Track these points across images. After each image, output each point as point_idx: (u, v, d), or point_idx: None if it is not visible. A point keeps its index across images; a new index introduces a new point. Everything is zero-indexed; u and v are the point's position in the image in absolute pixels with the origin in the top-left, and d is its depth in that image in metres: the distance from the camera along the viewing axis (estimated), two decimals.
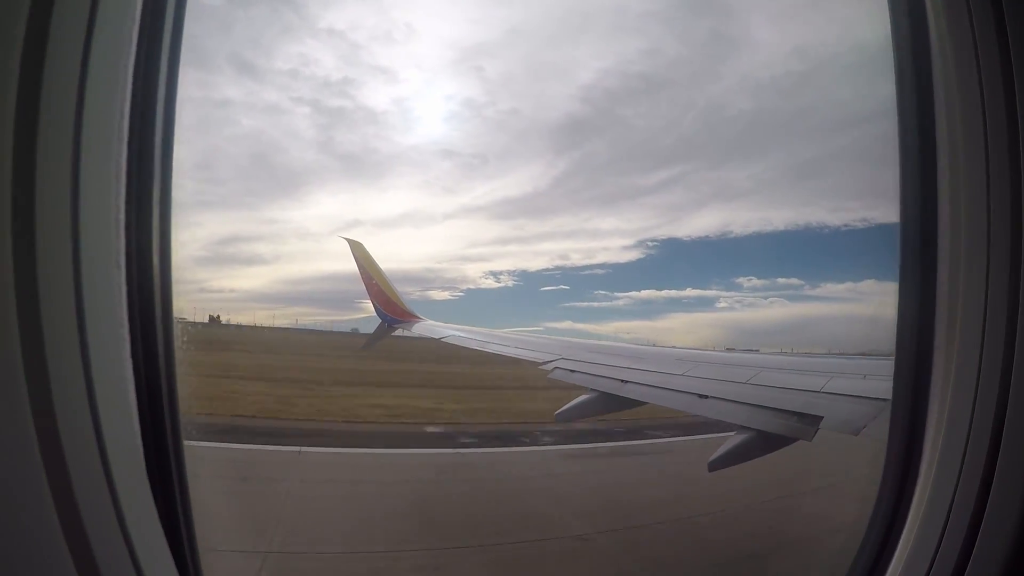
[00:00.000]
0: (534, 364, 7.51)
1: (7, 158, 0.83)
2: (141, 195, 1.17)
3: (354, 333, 39.19)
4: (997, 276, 1.28)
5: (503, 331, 10.67)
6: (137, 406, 1.14)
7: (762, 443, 4.34)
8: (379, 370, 23.24)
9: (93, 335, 0.96)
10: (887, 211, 1.70)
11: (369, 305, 12.37)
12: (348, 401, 16.99)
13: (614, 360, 6.85)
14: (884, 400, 2.84)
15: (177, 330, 1.32)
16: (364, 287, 12.37)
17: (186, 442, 1.32)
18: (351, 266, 12.61)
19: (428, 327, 11.73)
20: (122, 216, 1.09)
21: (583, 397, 6.06)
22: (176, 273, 1.33)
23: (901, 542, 1.50)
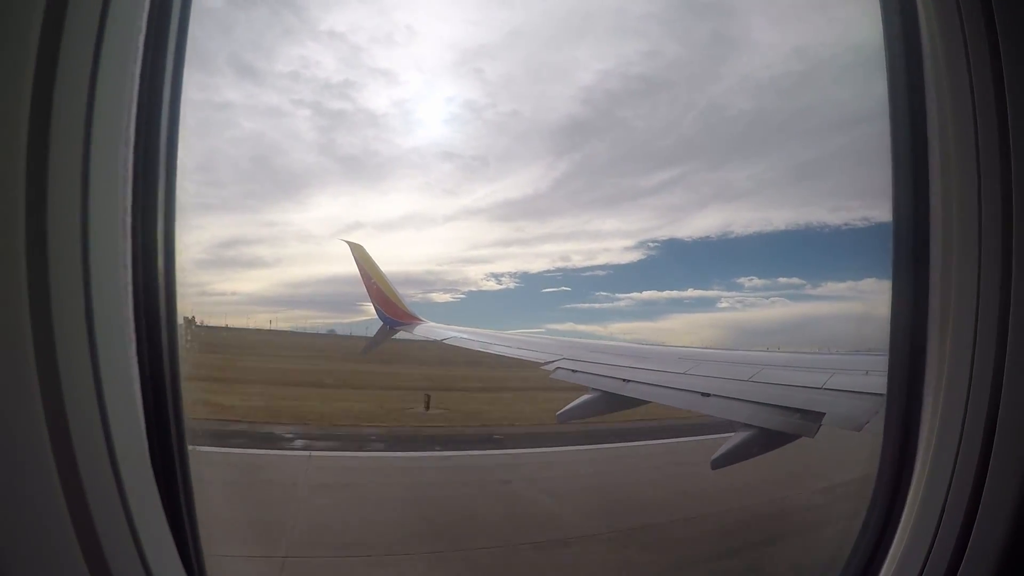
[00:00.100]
0: (536, 364, 7.51)
1: (21, 160, 0.86)
2: (147, 197, 1.20)
3: (330, 334, 39.22)
4: (989, 274, 1.29)
5: (504, 332, 10.70)
6: (143, 404, 1.16)
7: (765, 440, 4.35)
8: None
9: (101, 333, 0.98)
10: (887, 210, 1.72)
11: (371, 308, 12.41)
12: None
13: (616, 360, 6.87)
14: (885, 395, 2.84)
15: (181, 329, 1.34)
16: (365, 289, 12.41)
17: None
18: (352, 269, 12.66)
19: (429, 329, 11.75)
20: (128, 218, 1.12)
21: (585, 397, 6.08)
22: (179, 275, 1.35)
23: (895, 540, 1.51)
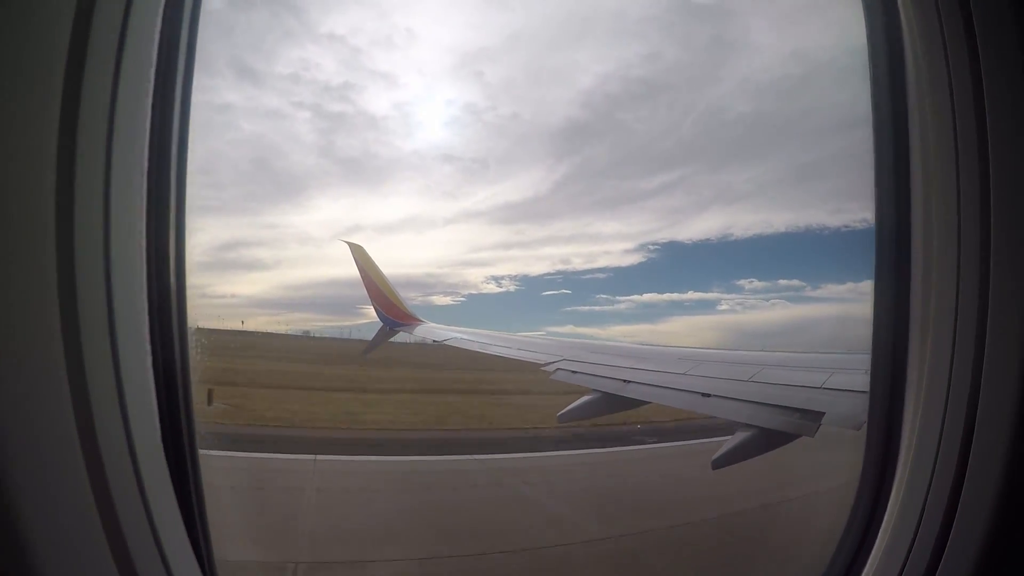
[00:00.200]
0: (536, 365, 7.52)
1: (50, 168, 0.90)
2: (160, 199, 1.23)
3: (305, 336, 39.04)
4: (968, 275, 1.30)
5: (504, 333, 10.69)
6: (156, 402, 1.18)
7: (765, 440, 4.36)
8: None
9: (121, 329, 1.03)
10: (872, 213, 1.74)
11: (371, 311, 12.41)
12: None
13: (616, 360, 6.87)
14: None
15: (191, 328, 1.37)
16: (365, 291, 12.41)
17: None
18: (352, 271, 12.66)
19: (429, 330, 11.76)
20: (143, 223, 1.15)
21: (586, 398, 6.07)
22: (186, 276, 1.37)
23: (878, 538, 1.52)
